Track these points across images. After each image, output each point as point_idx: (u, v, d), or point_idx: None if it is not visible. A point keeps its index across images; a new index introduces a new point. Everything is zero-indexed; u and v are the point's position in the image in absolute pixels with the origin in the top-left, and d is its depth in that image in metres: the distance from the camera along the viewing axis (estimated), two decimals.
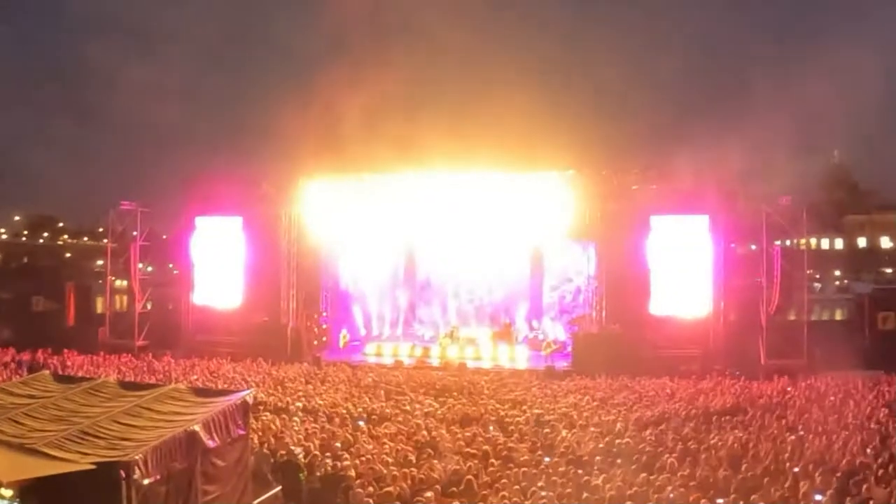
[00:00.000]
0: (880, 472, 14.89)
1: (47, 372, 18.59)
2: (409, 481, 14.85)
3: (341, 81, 39.25)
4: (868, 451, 16.73)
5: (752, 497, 13.57)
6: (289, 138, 38.38)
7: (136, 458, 12.12)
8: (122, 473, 11.71)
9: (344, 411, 21.80)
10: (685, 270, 34.34)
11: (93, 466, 11.71)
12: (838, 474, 14.61)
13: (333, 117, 38.08)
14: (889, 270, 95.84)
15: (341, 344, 38.77)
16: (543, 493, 13.91)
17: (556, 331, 37.68)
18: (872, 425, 19.37)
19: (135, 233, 39.61)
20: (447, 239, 37.98)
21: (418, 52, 46.67)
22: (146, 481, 11.96)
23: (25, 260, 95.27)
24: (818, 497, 13.58)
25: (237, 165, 41.93)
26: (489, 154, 35.61)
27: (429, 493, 13.91)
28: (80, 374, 25.10)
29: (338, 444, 17.78)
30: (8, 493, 11.54)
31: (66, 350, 32.95)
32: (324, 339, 38.09)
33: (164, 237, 42.54)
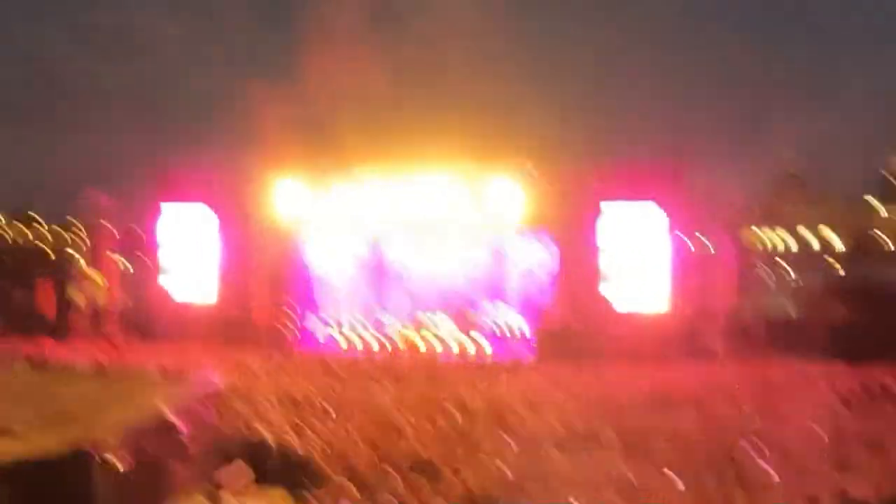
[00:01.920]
0: (831, 452, 14.99)
1: (23, 359, 18.49)
2: (374, 462, 14.83)
3: (311, 74, 39.14)
4: (822, 437, 16.84)
5: (706, 478, 13.65)
6: (257, 129, 38.19)
7: (108, 442, 12.06)
8: (94, 457, 11.66)
9: (311, 397, 21.75)
10: (642, 262, 34.51)
11: (65, 450, 11.64)
12: (791, 459, 14.71)
13: (302, 110, 37.96)
14: (840, 266, 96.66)
15: (310, 332, 38.66)
16: (506, 474, 13.93)
17: (517, 321, 37.71)
18: (825, 413, 19.51)
19: (106, 223, 39.21)
20: (412, 231, 38.23)
21: (385, 49, 46.54)
22: (118, 465, 11.92)
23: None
24: (768, 478, 13.67)
25: (207, 155, 41.60)
26: (450, 148, 35.69)
27: (394, 474, 13.91)
28: (54, 361, 24.84)
29: (305, 428, 17.73)
30: None
31: (40, 339, 32.68)
32: (292, 328, 37.96)
33: (136, 229, 42.12)
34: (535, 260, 37.84)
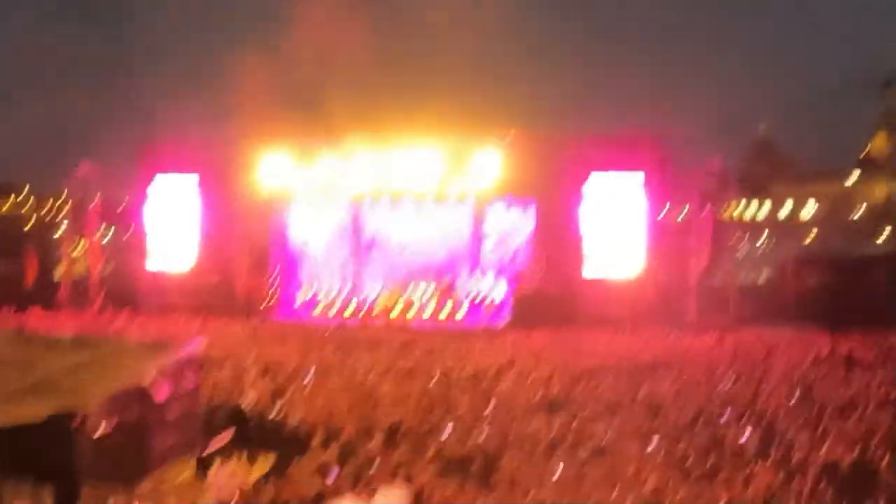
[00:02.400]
0: (803, 419, 15.10)
1: (5, 328, 18.37)
2: (353, 428, 14.84)
3: (296, 44, 38.97)
4: (792, 401, 16.95)
5: (680, 444, 13.71)
6: (241, 100, 38.06)
7: (88, 409, 12.03)
8: (74, 425, 11.63)
9: (292, 364, 21.75)
10: (619, 230, 34.68)
11: (45, 418, 11.61)
12: (765, 423, 14.79)
13: (287, 81, 37.84)
14: (811, 236, 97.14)
15: (291, 301, 38.68)
16: (482, 441, 13.98)
17: (496, 288, 37.82)
18: (796, 377, 19.64)
19: (93, 198, 39.14)
20: (392, 200, 38.71)
21: (369, 22, 46.31)
22: (98, 433, 11.89)
23: None
24: (742, 441, 13.75)
25: (192, 127, 41.43)
26: (432, 115, 35.69)
27: (373, 438, 13.95)
28: (37, 331, 24.74)
29: (286, 394, 17.73)
30: None
31: (26, 309, 32.62)
32: (274, 297, 37.99)
33: (122, 201, 42.02)
34: (513, 228, 37.97)
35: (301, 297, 39.11)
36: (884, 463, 11.36)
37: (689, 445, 13.46)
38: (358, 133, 35.97)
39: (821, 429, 13.85)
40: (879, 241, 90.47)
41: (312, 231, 40.21)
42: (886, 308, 33.01)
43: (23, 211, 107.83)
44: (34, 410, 11.76)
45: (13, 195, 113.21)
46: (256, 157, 36.77)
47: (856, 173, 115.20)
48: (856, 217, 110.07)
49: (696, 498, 10.57)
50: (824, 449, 12.63)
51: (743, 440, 13.59)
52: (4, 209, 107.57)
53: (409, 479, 11.74)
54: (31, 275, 40.06)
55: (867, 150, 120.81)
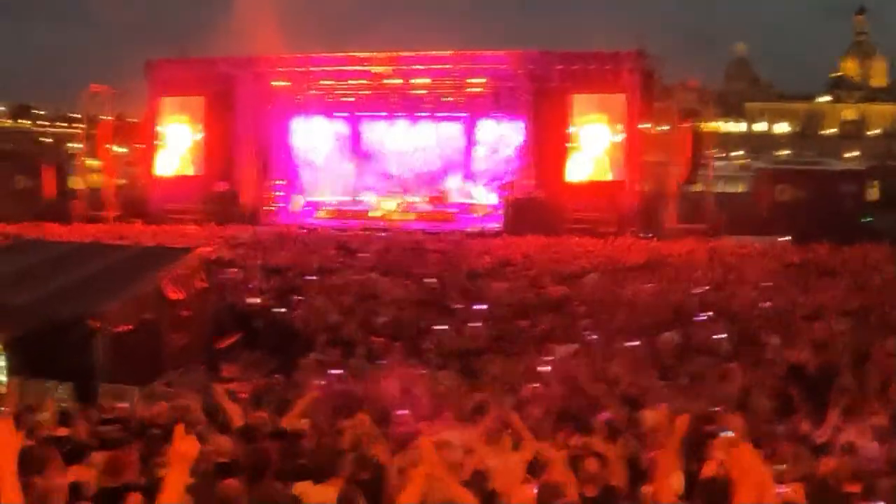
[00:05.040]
0: (774, 321, 15.13)
1: (28, 237, 18.38)
2: (354, 327, 14.87)
3: None
4: (765, 304, 16.99)
5: (663, 336, 13.78)
6: (243, 18, 37.56)
7: (107, 310, 12.06)
8: (92, 328, 11.67)
9: (296, 267, 21.74)
10: (603, 144, 34.54)
11: (65, 322, 11.66)
12: (738, 326, 14.83)
13: None
14: (785, 152, 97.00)
15: (294, 208, 38.62)
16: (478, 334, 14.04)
17: (487, 196, 37.85)
18: (767, 282, 19.67)
19: (104, 116, 38.98)
20: (389, 112, 38.85)
21: None
22: (116, 331, 11.92)
23: (7, 145, 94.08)
24: (720, 336, 13.80)
25: (197, 47, 40.90)
26: (431, 32, 35.39)
27: (374, 337, 13.98)
28: (57, 241, 24.67)
29: (290, 295, 17.71)
30: None
31: (45, 222, 32.54)
32: (278, 205, 37.93)
33: (133, 119, 41.67)
34: (504, 140, 37.90)
35: (303, 203, 39.10)
36: (844, 366, 11.37)
37: (668, 343, 13.51)
38: (363, 42, 35.72)
39: (790, 333, 13.85)
40: (847, 157, 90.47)
41: (314, 141, 40.09)
42: (852, 220, 33.11)
43: (40, 129, 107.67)
44: (55, 315, 11.82)
45: (33, 119, 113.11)
46: (260, 73, 36.34)
47: (827, 95, 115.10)
48: (826, 134, 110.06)
49: (673, 392, 10.60)
50: (790, 352, 12.65)
51: (718, 342, 13.61)
52: (25, 130, 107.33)
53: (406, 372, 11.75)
54: (49, 189, 39.88)
55: (838, 72, 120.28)
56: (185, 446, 4.09)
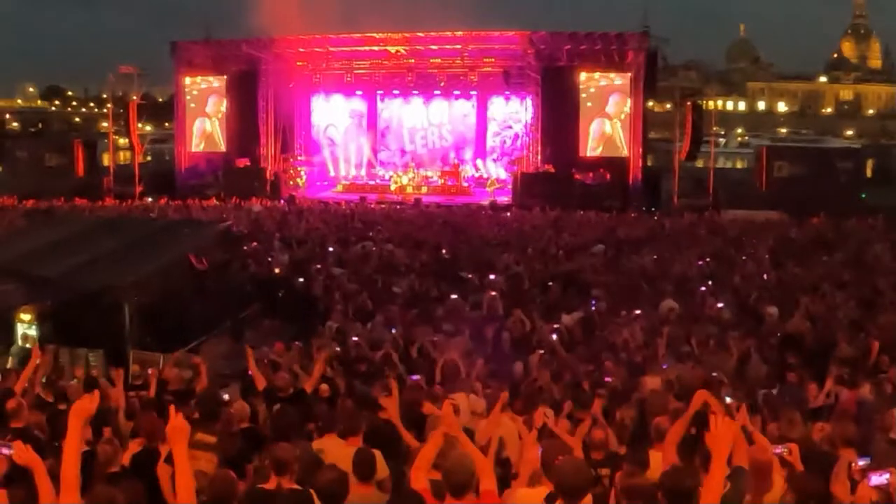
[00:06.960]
0: (774, 292, 15.12)
1: (62, 211, 18.47)
2: (372, 297, 14.88)
3: None
4: (764, 276, 16.96)
5: (662, 305, 13.78)
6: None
7: (137, 280, 12.15)
8: (122, 297, 11.77)
9: (315, 238, 21.79)
10: (608, 121, 34.47)
11: (96, 291, 11.75)
12: (738, 298, 14.82)
13: None
14: (783, 130, 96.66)
15: (316, 182, 38.73)
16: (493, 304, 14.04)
17: (498, 170, 37.84)
18: (766, 255, 19.63)
19: (133, 97, 39.14)
20: (404, 91, 38.69)
21: None
22: (145, 301, 12.00)
23: (39, 125, 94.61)
24: (720, 306, 13.80)
25: (221, 28, 40.78)
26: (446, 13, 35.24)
27: (391, 307, 14.01)
28: (88, 215, 24.78)
29: (309, 266, 17.72)
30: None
31: (76, 198, 32.74)
32: (298, 180, 37.95)
33: (160, 99, 41.82)
34: (514, 116, 37.89)
35: (322, 179, 39.18)
36: (840, 337, 11.36)
37: (671, 311, 13.51)
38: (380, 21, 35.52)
39: (785, 305, 13.82)
40: (845, 135, 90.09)
41: (332, 118, 40.11)
42: (848, 196, 32.99)
43: (73, 113, 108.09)
44: (87, 285, 11.91)
45: (64, 100, 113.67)
46: (281, 52, 36.26)
47: (825, 76, 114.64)
48: (824, 113, 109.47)
49: (676, 356, 10.65)
50: (786, 324, 12.65)
51: (719, 312, 13.61)
52: (56, 111, 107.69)
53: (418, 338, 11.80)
54: (79, 166, 40.08)
55: (836, 54, 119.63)
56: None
